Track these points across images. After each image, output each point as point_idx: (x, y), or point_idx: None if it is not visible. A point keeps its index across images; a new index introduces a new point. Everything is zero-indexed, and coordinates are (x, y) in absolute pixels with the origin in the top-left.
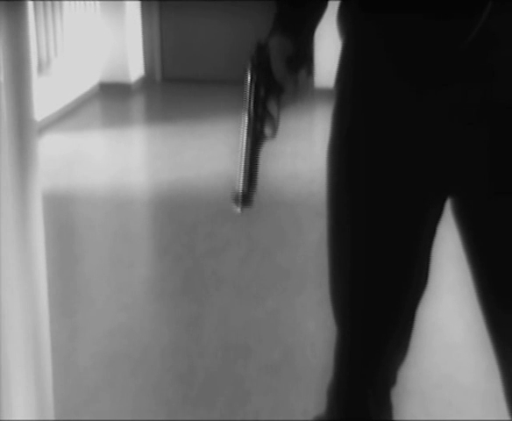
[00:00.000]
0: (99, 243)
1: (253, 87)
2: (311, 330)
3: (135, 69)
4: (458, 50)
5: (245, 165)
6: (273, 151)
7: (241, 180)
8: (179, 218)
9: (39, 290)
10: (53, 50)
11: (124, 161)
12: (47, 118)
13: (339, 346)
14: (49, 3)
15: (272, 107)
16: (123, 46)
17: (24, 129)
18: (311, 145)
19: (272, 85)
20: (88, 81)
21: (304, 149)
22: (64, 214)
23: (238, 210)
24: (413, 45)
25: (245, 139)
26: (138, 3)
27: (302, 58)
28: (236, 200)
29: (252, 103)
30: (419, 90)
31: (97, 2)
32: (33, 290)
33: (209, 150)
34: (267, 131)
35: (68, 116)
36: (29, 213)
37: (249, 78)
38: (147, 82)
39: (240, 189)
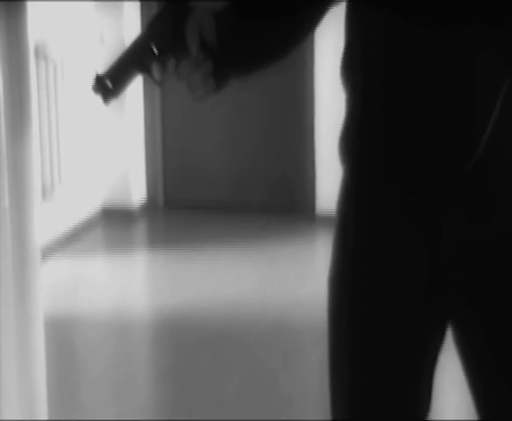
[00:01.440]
0: (101, 367)
1: (165, 26)
2: None
3: (137, 195)
4: (458, 177)
5: (122, 60)
6: (275, 276)
7: (110, 66)
8: (181, 343)
9: (40, 415)
10: (58, 176)
11: (127, 287)
12: (50, 243)
13: None
14: (54, 129)
15: (170, 60)
16: (125, 172)
17: (27, 254)
18: (313, 271)
19: (177, 40)
20: (90, 206)
21: (306, 275)
22: (66, 338)
23: (91, 87)
24: (413, 173)
25: (137, 47)
26: (142, 131)
27: (214, 53)
28: (95, 78)
29: (158, 37)
30: (420, 220)
31: (101, 127)
32: (34, 415)
33: (211, 276)
34: (154, 71)
35: (71, 241)
36: (31, 337)
37: (167, 13)
38: (149, 207)
39: (103, 72)
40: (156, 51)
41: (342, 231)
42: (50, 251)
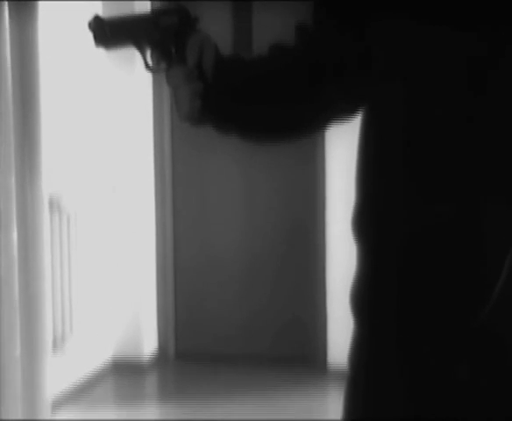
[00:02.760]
0: None
1: (171, 23)
2: None
3: (148, 346)
4: (470, 329)
5: (125, 23)
6: None
7: (114, 18)
8: None
9: None
10: (69, 327)
11: None
12: (60, 395)
13: None
14: (66, 281)
15: (166, 56)
16: (136, 323)
17: (37, 405)
18: None
19: (178, 44)
20: (101, 357)
21: None
22: None
23: (87, 23)
24: (425, 329)
25: (141, 23)
26: (154, 282)
27: (207, 80)
28: (95, 17)
29: (162, 28)
30: (431, 373)
31: (113, 278)
32: None
33: None
34: (147, 56)
35: (81, 393)
36: None
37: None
38: (161, 358)
39: (105, 17)
40: (157, 38)
41: (352, 385)
42: (60, 402)
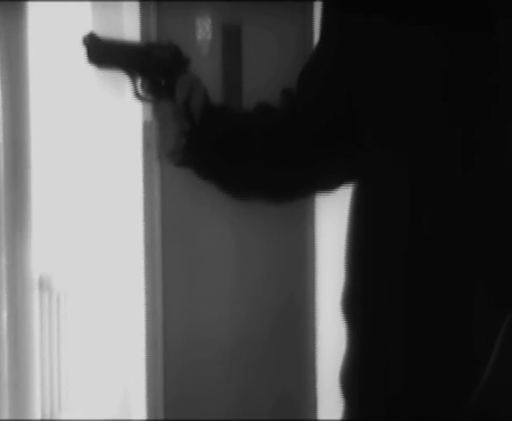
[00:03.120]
0: None
1: (163, 59)
2: None
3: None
4: (460, 411)
5: (120, 47)
6: None
7: (110, 39)
8: None
9: None
10: (57, 405)
11: None
12: None
13: None
14: (55, 360)
15: (155, 89)
16: (125, 400)
17: None
18: None
19: (167, 80)
20: None
21: None
22: None
23: (81, 38)
24: (412, 397)
25: (135, 52)
26: (143, 365)
27: (194, 122)
28: (90, 34)
29: (155, 61)
30: None
31: (103, 349)
32: None
33: None
34: (138, 85)
35: None
36: None
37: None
38: None
39: (102, 37)
40: (147, 68)
41: None
42: None
